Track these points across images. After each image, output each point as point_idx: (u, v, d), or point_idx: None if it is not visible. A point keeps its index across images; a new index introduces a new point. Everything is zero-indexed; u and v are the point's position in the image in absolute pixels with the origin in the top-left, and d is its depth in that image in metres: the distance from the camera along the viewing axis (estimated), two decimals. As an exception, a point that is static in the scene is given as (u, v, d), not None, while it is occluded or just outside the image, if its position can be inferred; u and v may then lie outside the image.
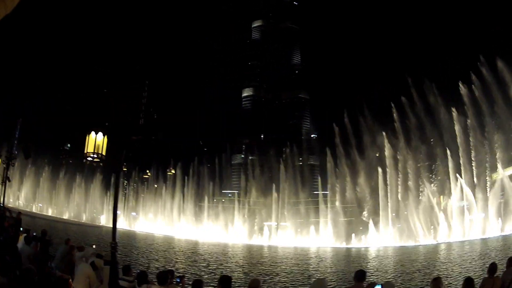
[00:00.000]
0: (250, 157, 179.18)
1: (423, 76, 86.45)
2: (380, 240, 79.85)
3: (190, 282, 12.66)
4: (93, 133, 12.28)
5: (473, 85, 73.48)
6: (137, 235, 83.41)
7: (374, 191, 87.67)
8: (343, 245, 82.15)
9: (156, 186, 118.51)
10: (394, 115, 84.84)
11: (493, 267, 12.05)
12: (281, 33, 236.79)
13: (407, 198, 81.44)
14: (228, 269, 38.04)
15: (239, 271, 37.79)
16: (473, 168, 73.42)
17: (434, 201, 78.10)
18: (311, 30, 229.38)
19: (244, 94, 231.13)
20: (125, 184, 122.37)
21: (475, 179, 72.54)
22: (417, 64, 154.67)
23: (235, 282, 26.82)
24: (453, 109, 74.84)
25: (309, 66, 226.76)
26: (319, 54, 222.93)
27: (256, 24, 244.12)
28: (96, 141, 12.19)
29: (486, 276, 12.23)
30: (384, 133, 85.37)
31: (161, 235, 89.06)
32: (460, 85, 75.89)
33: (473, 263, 37.69)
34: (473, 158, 73.11)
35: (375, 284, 11.26)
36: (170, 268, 20.55)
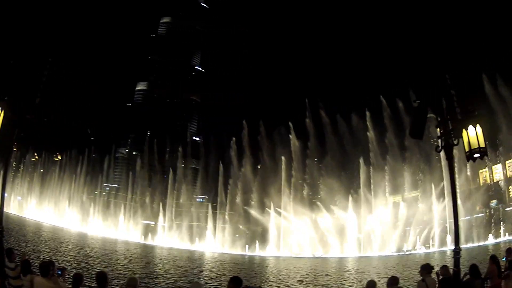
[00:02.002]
0: (134, 152, 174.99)
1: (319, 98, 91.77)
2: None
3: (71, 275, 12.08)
4: (-9, 106, 11.36)
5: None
6: (21, 220, 77.93)
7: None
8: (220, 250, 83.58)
9: (42, 170, 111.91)
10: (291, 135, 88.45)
11: (371, 284, 12.49)
12: (186, 33, 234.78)
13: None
14: (105, 266, 36.84)
15: (117, 267, 36.78)
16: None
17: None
18: (216, 36, 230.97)
19: (138, 88, 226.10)
20: (13, 165, 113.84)
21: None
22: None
23: (117, 282, 26.04)
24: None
25: (206, 70, 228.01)
26: (218, 60, 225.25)
27: (164, 20, 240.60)
28: (-7, 116, 11.31)
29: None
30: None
31: (45, 223, 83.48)
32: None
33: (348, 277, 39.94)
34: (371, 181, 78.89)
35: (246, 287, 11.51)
36: (51, 259, 19.33)
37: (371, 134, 79.82)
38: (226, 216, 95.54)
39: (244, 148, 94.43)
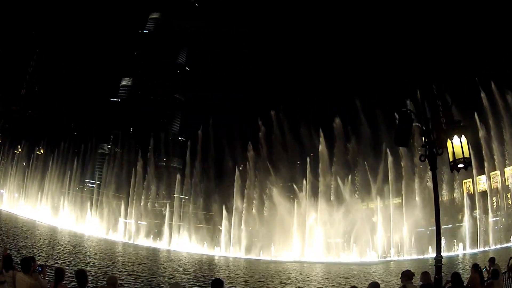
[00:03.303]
0: (116, 149, 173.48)
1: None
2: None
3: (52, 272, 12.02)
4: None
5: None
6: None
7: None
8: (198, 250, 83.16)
9: (24, 164, 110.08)
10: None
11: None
12: (174, 31, 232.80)
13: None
14: (84, 263, 36.60)
15: (97, 266, 36.57)
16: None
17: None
18: (215, 36, 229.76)
19: (123, 83, 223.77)
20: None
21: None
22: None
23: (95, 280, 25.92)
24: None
25: (199, 69, 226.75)
26: (204, 60, 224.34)
27: (153, 16, 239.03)
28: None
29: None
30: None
31: (25, 217, 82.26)
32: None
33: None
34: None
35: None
36: (31, 255, 19.19)
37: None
38: (207, 217, 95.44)
39: (232, 148, 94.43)
